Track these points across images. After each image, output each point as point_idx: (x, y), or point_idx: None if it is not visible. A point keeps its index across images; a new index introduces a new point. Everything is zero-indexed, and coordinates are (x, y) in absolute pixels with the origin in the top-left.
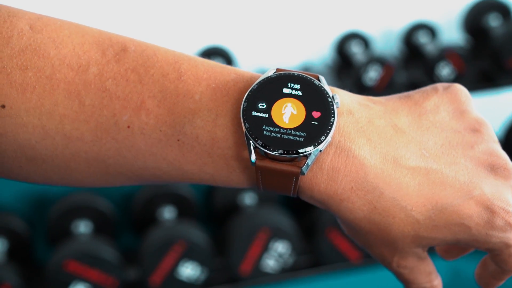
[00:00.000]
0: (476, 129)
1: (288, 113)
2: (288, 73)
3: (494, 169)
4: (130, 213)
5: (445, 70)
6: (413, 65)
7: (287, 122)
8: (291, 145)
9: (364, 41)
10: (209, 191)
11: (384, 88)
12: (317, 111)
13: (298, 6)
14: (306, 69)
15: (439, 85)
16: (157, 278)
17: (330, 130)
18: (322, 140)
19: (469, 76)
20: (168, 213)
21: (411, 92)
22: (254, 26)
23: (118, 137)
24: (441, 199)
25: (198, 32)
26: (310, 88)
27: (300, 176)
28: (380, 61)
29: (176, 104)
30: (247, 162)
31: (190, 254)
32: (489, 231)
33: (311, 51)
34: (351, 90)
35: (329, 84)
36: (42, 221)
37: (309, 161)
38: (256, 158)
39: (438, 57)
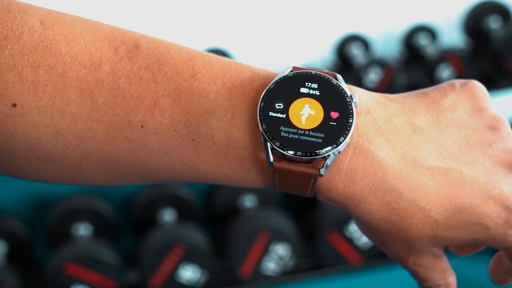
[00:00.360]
0: (494, 126)
1: (306, 113)
2: (305, 72)
3: None
4: (130, 216)
5: (445, 72)
6: (413, 67)
7: (304, 122)
8: (309, 146)
9: (364, 43)
10: (209, 194)
11: (384, 90)
12: (335, 111)
13: (298, 8)
14: None
15: (456, 82)
16: (157, 280)
17: (349, 131)
18: (341, 141)
19: (469, 78)
20: (168, 215)
21: (428, 89)
22: (255, 28)
23: (131, 136)
24: (460, 199)
25: (198, 33)
26: (328, 87)
27: (319, 177)
28: (380, 63)
29: (191, 103)
30: (264, 163)
31: (190, 257)
32: (507, 230)
33: (311, 53)
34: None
35: None
36: (42, 224)
37: (328, 162)
38: (273, 160)
39: (438, 59)
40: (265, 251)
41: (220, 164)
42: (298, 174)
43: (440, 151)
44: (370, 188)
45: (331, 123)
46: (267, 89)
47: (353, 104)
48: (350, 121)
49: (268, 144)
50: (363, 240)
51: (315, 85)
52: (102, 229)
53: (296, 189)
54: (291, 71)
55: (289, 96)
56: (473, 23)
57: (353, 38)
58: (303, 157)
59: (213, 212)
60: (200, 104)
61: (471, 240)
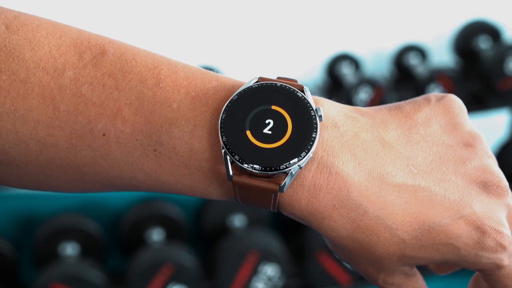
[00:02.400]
0: (469, 143)
1: (268, 126)
2: (270, 83)
3: (486, 186)
4: (118, 235)
5: (435, 92)
6: (403, 87)
7: (266, 136)
8: (269, 161)
9: (354, 62)
10: (198, 213)
11: None
12: (299, 125)
13: (289, 27)
14: None
15: (432, 96)
16: None
17: (311, 146)
18: (302, 156)
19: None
20: (156, 235)
21: (402, 103)
22: (245, 47)
23: (93, 145)
24: (429, 218)
25: (187, 51)
26: (293, 100)
27: (280, 193)
28: (370, 82)
29: (153, 112)
30: (225, 176)
31: (178, 277)
32: (479, 252)
33: (302, 71)
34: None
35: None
36: (28, 243)
37: (288, 178)
38: (233, 174)
39: (429, 78)
40: (254, 271)
41: (182, 175)
42: (258, 189)
43: (410, 168)
44: (334, 205)
45: (293, 137)
46: (230, 100)
47: (317, 117)
48: (314, 135)
49: (228, 157)
50: None
51: (279, 97)
52: (89, 249)
53: (258, 203)
54: (256, 81)
55: (251, 108)
56: (463, 43)
57: (344, 57)
58: (263, 172)
59: (202, 232)
60: (162, 114)
61: (441, 260)
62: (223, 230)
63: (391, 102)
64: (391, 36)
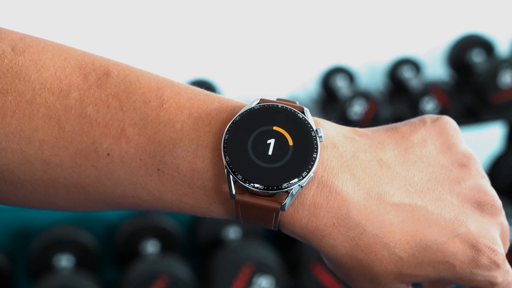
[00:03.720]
0: (463, 164)
1: (270, 146)
2: (272, 104)
3: (480, 205)
4: (113, 247)
5: (429, 105)
6: (397, 100)
7: (268, 156)
8: (271, 180)
9: (349, 75)
10: (192, 225)
11: (368, 122)
12: (300, 145)
13: (284, 40)
14: None
15: (427, 117)
16: None
17: (312, 165)
18: (304, 176)
19: (453, 111)
20: (151, 247)
21: (398, 124)
22: (240, 60)
23: (97, 164)
24: (426, 237)
25: (183, 64)
26: (294, 121)
27: (281, 211)
28: (365, 95)
29: (157, 132)
30: (227, 195)
31: None
32: (473, 270)
33: (296, 84)
34: (336, 123)
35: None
36: (23, 255)
37: (289, 197)
38: (236, 192)
39: (423, 92)
40: (249, 283)
41: (185, 194)
42: (260, 207)
43: (407, 187)
44: (334, 223)
45: (294, 157)
46: (233, 121)
47: (318, 138)
48: (314, 156)
49: (231, 176)
50: None
51: (280, 119)
52: (84, 261)
53: (259, 221)
54: (258, 103)
55: (254, 129)
56: (457, 57)
57: (338, 70)
58: (265, 191)
59: (196, 244)
60: (166, 134)
61: (437, 278)
62: (218, 242)
63: (385, 115)
64: (385, 49)
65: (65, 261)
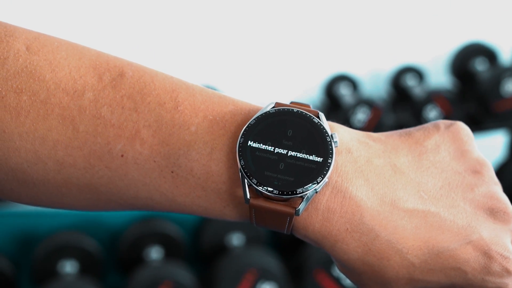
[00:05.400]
0: (477, 170)
1: (284, 151)
2: (287, 109)
3: (493, 212)
4: (117, 253)
5: (432, 113)
6: (400, 108)
7: (283, 161)
8: (286, 185)
9: (352, 83)
10: (196, 232)
11: (372, 130)
12: (315, 150)
13: (287, 48)
14: None
15: (441, 123)
16: None
17: (327, 171)
18: (318, 181)
19: (456, 119)
20: (155, 253)
21: (412, 129)
22: (244, 68)
23: (111, 165)
24: (438, 243)
25: (187, 71)
26: (309, 125)
27: (295, 216)
28: (368, 103)
29: (171, 135)
30: (241, 199)
31: None
32: (485, 277)
33: (300, 91)
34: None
35: None
36: (27, 261)
37: (304, 202)
38: (250, 196)
39: (426, 100)
40: None
41: (198, 196)
42: (274, 212)
43: (420, 193)
44: (347, 228)
45: (310, 162)
46: (248, 125)
47: (333, 143)
48: (329, 161)
49: (246, 180)
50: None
51: (296, 123)
52: (88, 267)
53: (273, 226)
54: (273, 107)
55: (269, 133)
56: (460, 65)
57: (342, 78)
58: (280, 196)
59: (200, 250)
60: (180, 137)
61: (448, 284)
62: (221, 249)
63: (388, 123)
64: (389, 58)
65: (69, 267)
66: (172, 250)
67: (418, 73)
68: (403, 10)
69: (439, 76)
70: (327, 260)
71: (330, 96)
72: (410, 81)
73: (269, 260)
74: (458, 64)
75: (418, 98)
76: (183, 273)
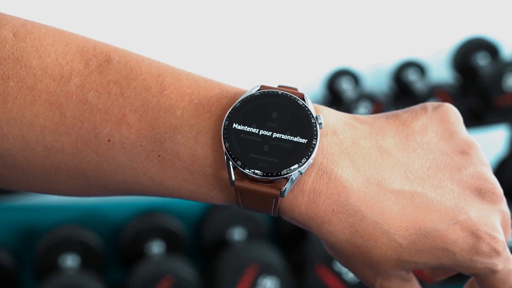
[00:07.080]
0: (464, 151)
1: (269, 133)
2: (272, 91)
3: (481, 193)
4: (118, 247)
5: None
6: (402, 102)
7: (268, 142)
8: (271, 166)
9: (354, 77)
10: (197, 226)
11: None
12: (300, 132)
13: (289, 42)
14: None
15: (429, 104)
16: None
17: (312, 152)
18: (303, 162)
19: None
20: (156, 247)
21: (399, 111)
22: (245, 62)
23: (98, 150)
24: (425, 224)
25: (187, 67)
26: (294, 107)
27: (280, 198)
28: (370, 97)
29: (157, 119)
30: (227, 181)
31: None
32: (473, 257)
33: (301, 87)
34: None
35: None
36: (29, 254)
37: (289, 183)
38: (235, 179)
39: (427, 94)
40: (253, 285)
41: (185, 180)
42: (259, 193)
43: (407, 174)
44: (333, 210)
45: (294, 144)
46: (233, 107)
47: (318, 125)
48: (314, 142)
49: (231, 163)
50: (351, 274)
51: (280, 105)
52: (89, 261)
53: (259, 208)
54: (258, 89)
55: (254, 115)
56: (462, 60)
57: (343, 73)
58: (264, 177)
59: (201, 245)
60: (166, 120)
61: (437, 265)
62: (223, 243)
63: None
64: (390, 52)
65: (70, 261)
66: (173, 244)
67: (419, 68)
68: (405, 5)
69: (440, 71)
70: (328, 255)
71: (332, 91)
72: (411, 76)
73: (271, 255)
74: (459, 58)
75: (419, 93)
76: (184, 268)
